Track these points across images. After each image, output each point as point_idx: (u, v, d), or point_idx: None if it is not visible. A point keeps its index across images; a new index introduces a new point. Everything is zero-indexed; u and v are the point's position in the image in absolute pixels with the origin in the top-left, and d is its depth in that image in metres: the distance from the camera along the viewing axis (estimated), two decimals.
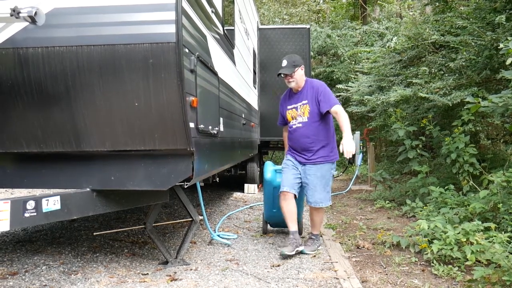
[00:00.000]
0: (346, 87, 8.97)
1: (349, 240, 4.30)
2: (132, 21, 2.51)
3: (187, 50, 2.68)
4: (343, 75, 12.86)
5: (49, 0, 2.46)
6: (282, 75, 3.83)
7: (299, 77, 3.83)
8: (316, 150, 3.77)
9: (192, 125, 2.73)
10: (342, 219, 5.44)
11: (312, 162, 3.77)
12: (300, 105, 3.83)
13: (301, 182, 3.86)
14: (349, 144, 3.47)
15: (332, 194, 7.57)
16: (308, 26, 8.81)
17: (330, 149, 3.84)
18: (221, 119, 3.96)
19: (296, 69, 3.79)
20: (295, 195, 3.83)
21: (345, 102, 10.90)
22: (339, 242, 4.24)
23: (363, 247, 4.02)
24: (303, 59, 8.45)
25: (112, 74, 2.52)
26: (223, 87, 4.12)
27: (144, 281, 3.02)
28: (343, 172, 10.73)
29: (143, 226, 3.35)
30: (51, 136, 2.66)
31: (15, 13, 2.10)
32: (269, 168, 4.32)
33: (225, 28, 4.38)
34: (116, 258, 3.59)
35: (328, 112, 3.73)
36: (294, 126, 3.86)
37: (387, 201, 6.39)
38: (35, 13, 2.13)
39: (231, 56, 4.87)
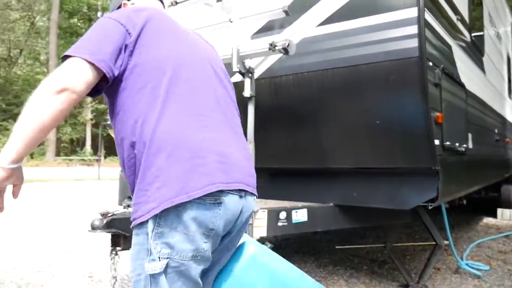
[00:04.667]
0: None
1: None
2: (372, 41, 2.54)
3: (430, 63, 2.54)
4: None
5: (298, 31, 2.74)
6: None
7: None
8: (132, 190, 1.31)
9: (437, 142, 2.56)
10: None
11: None
12: None
13: None
14: None
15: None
16: None
17: (145, 186, 1.20)
18: (470, 135, 3.58)
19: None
20: None
21: None
22: None
23: None
24: None
25: (355, 94, 2.60)
26: (471, 100, 3.73)
27: None
28: None
29: (383, 245, 3.30)
30: (300, 153, 2.93)
31: (272, 46, 2.42)
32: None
33: (472, 34, 3.98)
34: (356, 273, 3.64)
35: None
36: None
37: None
38: (288, 45, 2.39)
39: (480, 65, 4.37)
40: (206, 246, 1.21)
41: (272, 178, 3.32)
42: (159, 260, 1.16)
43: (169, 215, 1.16)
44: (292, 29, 2.79)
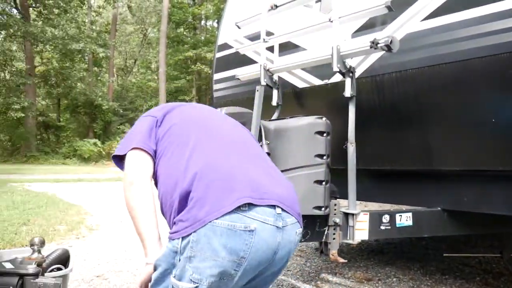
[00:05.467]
0: None
1: None
2: (487, 32, 2.33)
3: None
4: None
5: (402, 27, 2.62)
6: None
7: None
8: None
9: None
10: None
11: None
12: None
13: None
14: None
15: None
16: None
17: (180, 209, 1.34)
18: None
19: None
20: None
21: None
22: None
23: None
24: None
25: (466, 91, 2.41)
26: None
27: None
28: None
29: (499, 255, 3.02)
30: (404, 155, 2.80)
31: (374, 44, 2.35)
32: None
33: None
34: (467, 284, 3.38)
35: None
36: None
37: None
38: (391, 42, 2.30)
39: None
40: (235, 273, 1.23)
41: (374, 180, 3.23)
42: (190, 283, 1.23)
43: (200, 240, 1.21)
44: (395, 25, 2.68)
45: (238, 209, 1.22)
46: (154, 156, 1.48)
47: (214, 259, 1.21)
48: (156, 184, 1.49)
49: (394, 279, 3.49)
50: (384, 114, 2.80)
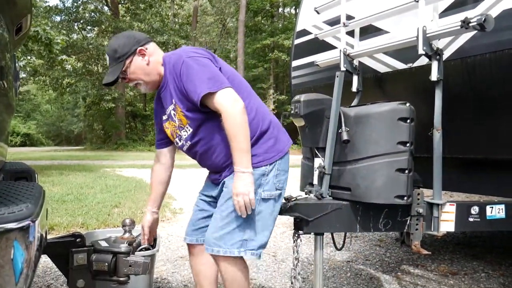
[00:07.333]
0: None
1: None
2: None
3: None
4: None
5: (498, 3, 2.41)
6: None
7: (142, 71, 1.98)
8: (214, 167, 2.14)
9: None
10: None
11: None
12: (172, 111, 2.02)
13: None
14: (240, 186, 1.83)
15: None
16: None
17: (261, 144, 1.98)
18: None
19: (126, 63, 1.95)
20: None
21: None
22: None
23: None
24: None
25: None
26: None
27: None
28: None
29: None
30: (499, 143, 2.60)
31: (465, 24, 2.19)
32: None
33: None
34: None
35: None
36: (184, 149, 2.11)
37: None
38: (484, 20, 2.13)
39: None
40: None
41: (461, 169, 3.04)
42: (275, 190, 1.98)
43: (282, 163, 2.00)
44: (489, 2, 2.47)
45: None
46: None
47: (287, 171, 2.05)
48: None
49: (483, 274, 3.28)
50: (476, 98, 2.61)
